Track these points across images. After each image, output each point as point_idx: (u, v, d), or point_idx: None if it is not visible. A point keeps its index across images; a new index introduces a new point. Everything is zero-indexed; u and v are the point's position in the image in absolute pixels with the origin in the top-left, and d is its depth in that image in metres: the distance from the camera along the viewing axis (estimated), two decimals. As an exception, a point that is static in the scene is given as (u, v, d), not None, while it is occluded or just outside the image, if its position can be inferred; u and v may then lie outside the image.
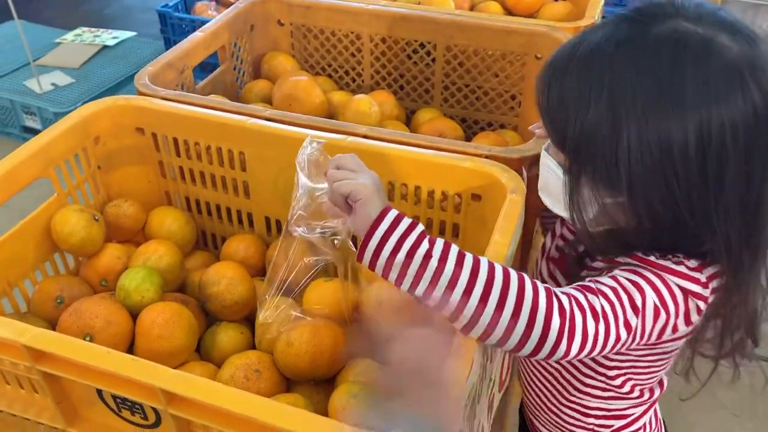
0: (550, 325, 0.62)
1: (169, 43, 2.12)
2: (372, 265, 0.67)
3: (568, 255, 0.79)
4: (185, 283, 1.08)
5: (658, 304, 0.65)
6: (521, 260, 1.04)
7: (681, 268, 0.65)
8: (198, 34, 1.28)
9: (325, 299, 0.94)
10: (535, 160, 0.99)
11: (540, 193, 0.75)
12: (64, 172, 1.02)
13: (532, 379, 0.90)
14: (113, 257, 1.04)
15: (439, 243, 0.65)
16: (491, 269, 0.64)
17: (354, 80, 1.51)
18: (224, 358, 0.93)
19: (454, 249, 0.65)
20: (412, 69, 1.44)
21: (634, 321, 0.64)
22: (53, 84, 2.43)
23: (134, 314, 0.93)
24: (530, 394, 0.92)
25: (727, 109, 0.58)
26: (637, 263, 0.66)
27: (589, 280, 0.67)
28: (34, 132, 1.93)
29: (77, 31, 2.75)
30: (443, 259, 0.64)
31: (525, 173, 0.96)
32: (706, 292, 0.65)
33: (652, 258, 0.66)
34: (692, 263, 0.65)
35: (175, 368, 0.91)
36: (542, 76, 0.67)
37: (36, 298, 0.98)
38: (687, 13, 0.62)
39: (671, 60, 0.60)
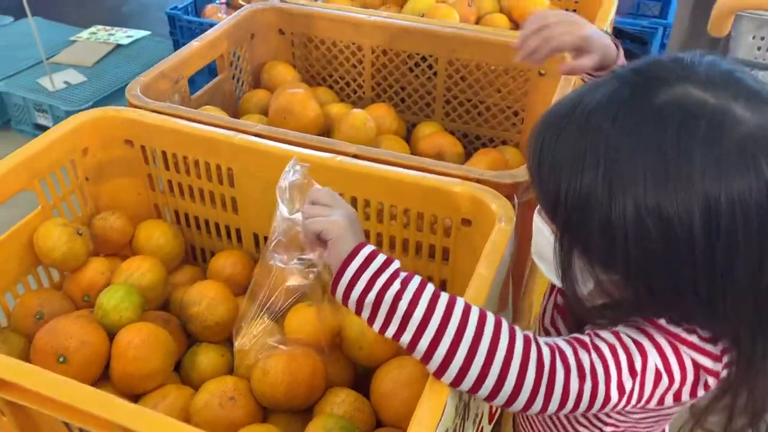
0: (525, 377, 0.59)
1: (178, 46, 2.11)
2: (345, 303, 0.65)
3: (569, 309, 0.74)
4: (169, 300, 1.06)
5: (662, 369, 0.60)
6: (514, 291, 1.01)
7: (693, 338, 0.60)
8: (194, 44, 1.26)
9: (307, 326, 0.92)
10: (528, 186, 0.96)
11: (533, 257, 0.71)
12: (49, 184, 1.01)
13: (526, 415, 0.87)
14: (97, 272, 1.02)
15: (413, 284, 0.63)
16: (464, 315, 0.61)
17: (355, 92, 1.48)
18: (203, 381, 0.91)
19: (428, 291, 0.62)
20: (414, 82, 1.41)
21: (629, 384, 0.60)
22: (66, 82, 2.43)
23: (112, 334, 0.91)
24: (524, 427, 0.89)
25: (738, 188, 0.53)
26: (645, 323, 0.62)
27: (588, 333, 0.63)
28: (46, 129, 1.93)
29: (92, 29, 2.75)
30: (414, 302, 0.61)
31: (516, 200, 0.93)
32: (719, 367, 0.60)
33: (661, 322, 0.60)
34: (705, 333, 0.60)
35: (150, 391, 0.90)
36: (535, 134, 0.61)
37: (16, 312, 0.97)
38: (697, 77, 0.56)
39: (678, 133, 0.54)
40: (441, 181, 0.92)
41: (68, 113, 2.22)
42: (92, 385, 0.79)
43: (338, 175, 0.96)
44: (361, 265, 0.63)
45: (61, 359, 0.85)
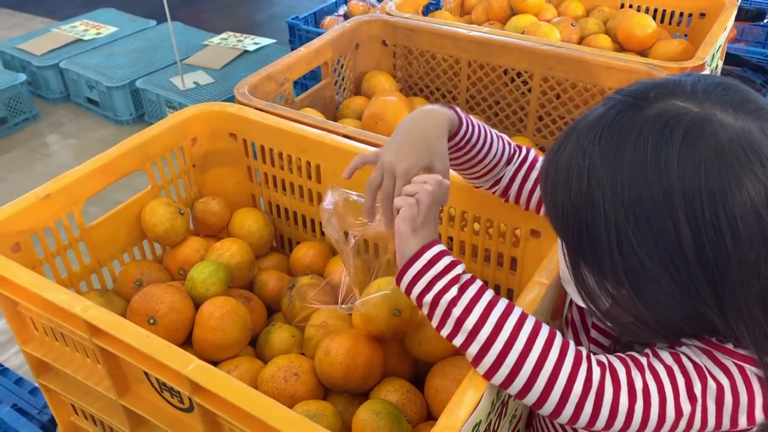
0: (571, 391, 0.61)
1: (296, 53, 2.25)
2: (408, 295, 0.70)
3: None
4: (254, 281, 1.15)
5: (727, 393, 0.59)
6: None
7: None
8: (301, 50, 1.36)
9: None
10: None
11: (563, 284, 0.73)
12: (159, 167, 1.13)
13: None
14: (192, 249, 1.13)
15: (470, 291, 0.66)
16: (516, 328, 0.63)
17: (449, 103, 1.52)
18: (274, 357, 0.98)
19: (484, 300, 0.65)
20: (508, 96, 1.44)
21: (687, 407, 0.60)
22: (195, 82, 2.63)
23: (198, 304, 1.01)
24: None
25: (721, 196, 0.53)
26: (708, 347, 0.61)
27: (646, 353, 0.64)
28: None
29: (224, 35, 2.96)
30: (468, 309, 0.65)
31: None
32: None
33: (729, 345, 0.60)
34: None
35: (225, 360, 0.99)
36: (546, 154, 0.64)
37: (120, 278, 1.09)
38: (683, 91, 0.58)
39: (656, 143, 0.55)
40: (512, 190, 0.95)
41: (194, 110, 2.40)
42: (174, 346, 0.88)
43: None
44: (424, 266, 0.67)
45: (151, 321, 0.95)
